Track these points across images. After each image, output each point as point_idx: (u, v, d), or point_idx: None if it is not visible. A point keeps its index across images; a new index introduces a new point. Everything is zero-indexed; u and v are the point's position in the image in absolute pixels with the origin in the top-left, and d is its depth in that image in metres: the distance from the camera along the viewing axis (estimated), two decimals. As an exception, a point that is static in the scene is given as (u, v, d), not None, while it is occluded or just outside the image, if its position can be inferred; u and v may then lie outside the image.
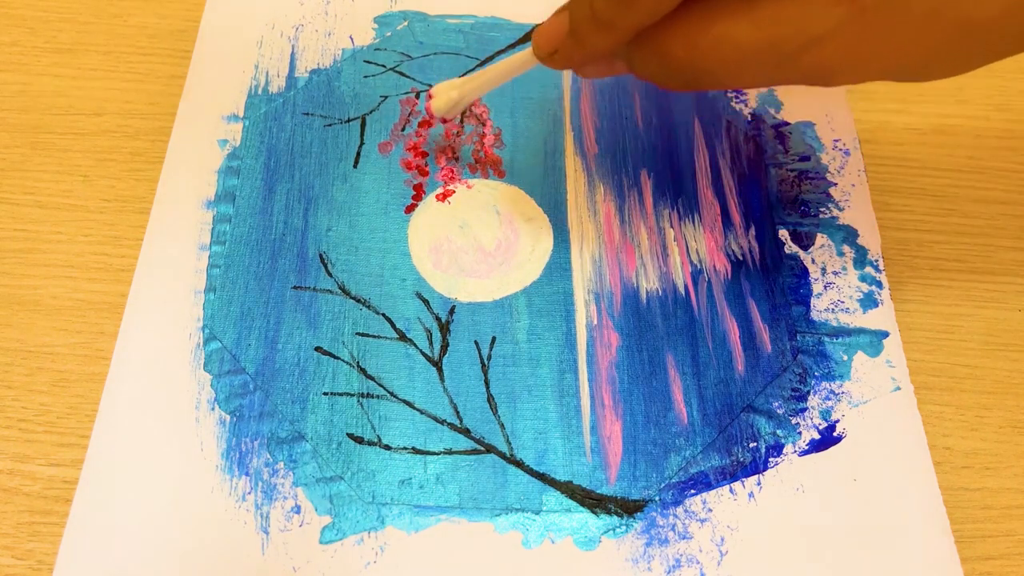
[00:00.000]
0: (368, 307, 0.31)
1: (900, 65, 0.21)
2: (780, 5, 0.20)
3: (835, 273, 0.32)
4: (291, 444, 0.28)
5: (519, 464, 0.28)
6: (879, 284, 0.32)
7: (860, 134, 0.36)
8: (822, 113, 0.36)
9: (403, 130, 0.35)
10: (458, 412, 0.29)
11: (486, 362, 0.30)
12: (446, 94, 0.31)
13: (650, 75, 0.22)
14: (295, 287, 0.31)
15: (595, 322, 0.31)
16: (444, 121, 0.32)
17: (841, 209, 0.34)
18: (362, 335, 0.30)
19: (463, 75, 0.30)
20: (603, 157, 0.34)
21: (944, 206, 0.34)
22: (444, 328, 0.30)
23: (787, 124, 0.36)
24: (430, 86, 0.36)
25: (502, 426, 0.29)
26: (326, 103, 0.35)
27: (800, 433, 0.29)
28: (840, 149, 0.35)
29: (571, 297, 0.31)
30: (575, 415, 0.29)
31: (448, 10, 0.38)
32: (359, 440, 0.28)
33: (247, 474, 0.27)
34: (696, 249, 0.32)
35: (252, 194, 0.33)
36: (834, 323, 0.31)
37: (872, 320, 0.31)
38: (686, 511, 0.27)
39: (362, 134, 0.34)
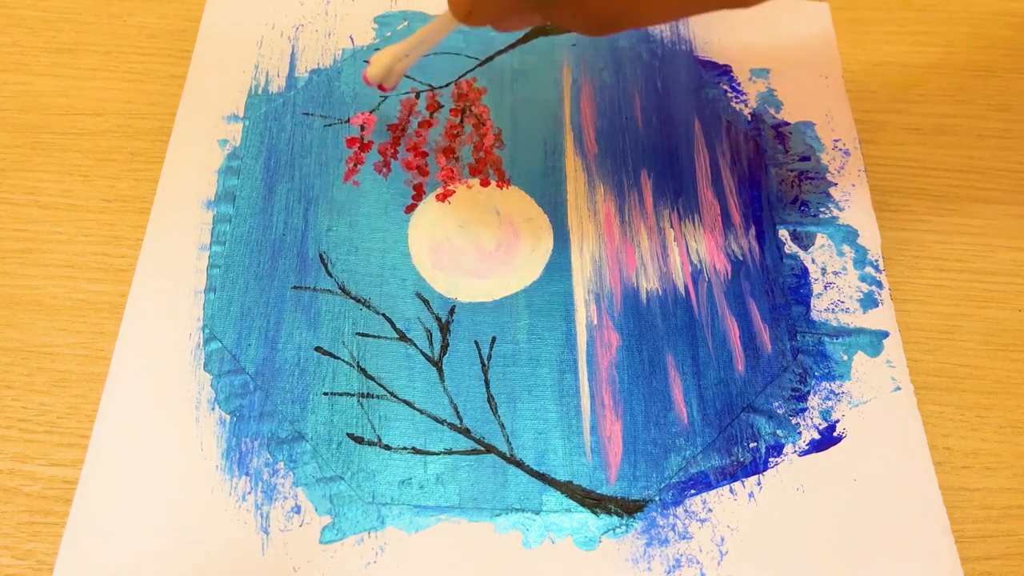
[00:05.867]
0: (368, 307, 0.31)
1: None
2: None
3: (835, 273, 0.32)
4: (291, 444, 0.28)
5: (519, 464, 0.28)
6: (879, 284, 0.32)
7: (860, 134, 0.36)
8: (822, 113, 0.36)
9: (403, 130, 0.35)
10: (458, 412, 0.29)
11: (486, 362, 0.30)
12: (380, 60, 0.31)
13: (567, 22, 0.22)
14: (295, 287, 0.31)
15: (595, 322, 0.31)
16: (381, 88, 0.32)
17: (841, 209, 0.34)
18: (362, 335, 0.30)
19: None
20: (603, 157, 0.34)
21: (944, 206, 0.34)
22: (444, 328, 0.30)
23: (787, 124, 0.36)
24: (431, 86, 0.36)
25: (502, 426, 0.29)
26: (326, 103, 0.35)
27: (800, 433, 0.29)
28: (840, 149, 0.35)
29: (571, 297, 0.31)
30: (575, 415, 0.29)
31: (448, 10, 0.38)
32: (359, 440, 0.28)
33: (247, 474, 0.27)
34: (696, 249, 0.32)
35: (252, 194, 0.33)
36: (834, 323, 0.31)
37: (872, 320, 0.31)
38: (686, 511, 0.27)
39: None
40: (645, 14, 0.21)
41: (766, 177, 0.34)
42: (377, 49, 0.37)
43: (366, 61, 0.32)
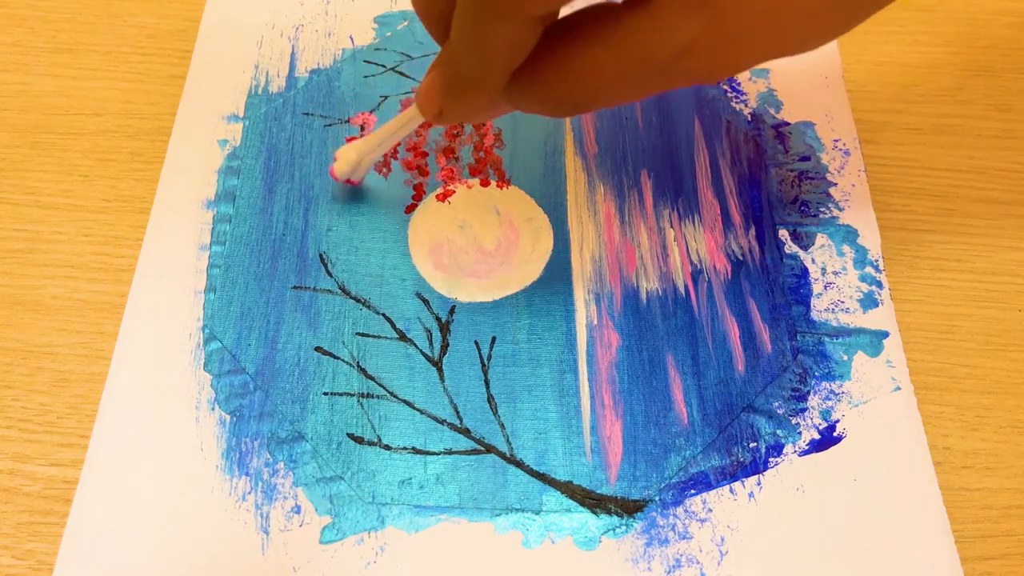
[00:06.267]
0: (368, 307, 0.31)
1: (774, 48, 0.21)
2: (634, 27, 0.19)
3: (835, 273, 0.32)
4: (291, 444, 0.28)
5: (519, 464, 0.28)
6: (879, 284, 0.32)
7: (860, 134, 0.36)
8: (822, 113, 0.36)
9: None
10: (458, 412, 0.29)
11: (486, 362, 0.30)
12: (346, 156, 0.31)
13: (534, 109, 0.22)
14: (295, 287, 0.31)
15: (595, 322, 0.31)
16: (349, 183, 0.32)
17: (841, 209, 0.34)
18: (362, 335, 0.30)
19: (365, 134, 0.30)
20: (603, 157, 0.34)
21: (944, 206, 0.34)
22: (444, 328, 0.30)
23: (787, 124, 0.36)
24: (430, 86, 0.36)
25: (502, 426, 0.29)
26: (326, 103, 0.35)
27: (800, 433, 0.29)
28: (840, 149, 0.35)
29: (571, 297, 0.31)
30: (575, 415, 0.29)
31: (448, 10, 0.38)
32: (359, 440, 0.28)
33: (247, 474, 0.27)
34: (696, 249, 0.32)
35: (252, 194, 0.33)
36: (834, 323, 0.31)
37: (872, 320, 0.31)
38: (686, 511, 0.27)
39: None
40: (608, 97, 0.21)
41: (766, 177, 0.34)
42: (378, 50, 0.37)
43: (334, 157, 0.31)
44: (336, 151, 0.31)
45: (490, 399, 0.29)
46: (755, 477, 0.28)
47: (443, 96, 0.23)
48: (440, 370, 0.30)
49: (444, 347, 0.30)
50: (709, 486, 0.28)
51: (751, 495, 0.28)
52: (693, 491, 0.28)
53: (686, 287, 0.31)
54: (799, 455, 0.28)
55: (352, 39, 0.37)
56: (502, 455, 0.28)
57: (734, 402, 0.29)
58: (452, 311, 0.31)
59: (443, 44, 0.23)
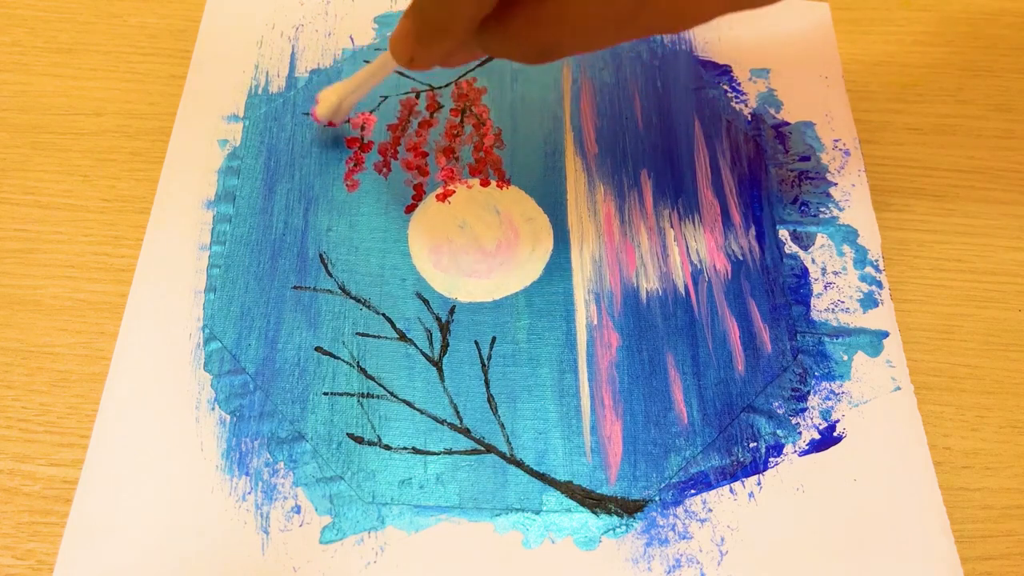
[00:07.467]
0: (368, 307, 0.31)
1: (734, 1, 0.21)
2: None
3: (835, 273, 0.32)
4: (291, 444, 0.28)
5: (519, 464, 0.28)
6: (879, 284, 0.32)
7: (860, 134, 0.36)
8: (822, 113, 0.36)
9: (403, 130, 0.35)
10: (458, 412, 0.29)
11: (486, 362, 0.30)
12: (327, 98, 0.32)
13: (505, 55, 0.23)
14: (295, 287, 0.31)
15: (595, 322, 0.31)
16: (331, 124, 0.33)
17: (841, 209, 0.34)
18: (362, 335, 0.30)
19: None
20: (603, 157, 0.34)
21: (944, 206, 0.34)
22: (444, 328, 0.30)
23: (787, 124, 0.36)
24: (431, 86, 0.36)
25: (502, 426, 0.29)
26: (326, 103, 0.35)
27: (800, 433, 0.29)
28: (840, 149, 0.35)
29: (571, 297, 0.31)
30: (575, 415, 0.29)
31: (448, 10, 0.38)
32: (359, 440, 0.28)
33: (247, 474, 0.27)
34: (696, 249, 0.32)
35: (252, 194, 0.33)
36: (834, 323, 0.31)
37: (872, 320, 0.31)
38: (686, 511, 0.27)
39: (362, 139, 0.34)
40: (573, 45, 0.22)
41: (766, 177, 0.34)
42: (378, 50, 0.37)
43: (315, 100, 0.32)
44: (318, 94, 0.32)
45: (490, 399, 0.29)
46: (755, 477, 0.28)
47: (414, 42, 0.24)
48: (440, 370, 0.30)
49: (444, 347, 0.30)
50: (709, 486, 0.28)
51: (751, 495, 0.28)
52: (693, 491, 0.28)
53: (686, 287, 0.31)
54: (799, 455, 0.28)
55: (352, 39, 0.37)
56: (502, 455, 0.28)
57: (734, 402, 0.29)
58: (452, 311, 0.31)
59: None
